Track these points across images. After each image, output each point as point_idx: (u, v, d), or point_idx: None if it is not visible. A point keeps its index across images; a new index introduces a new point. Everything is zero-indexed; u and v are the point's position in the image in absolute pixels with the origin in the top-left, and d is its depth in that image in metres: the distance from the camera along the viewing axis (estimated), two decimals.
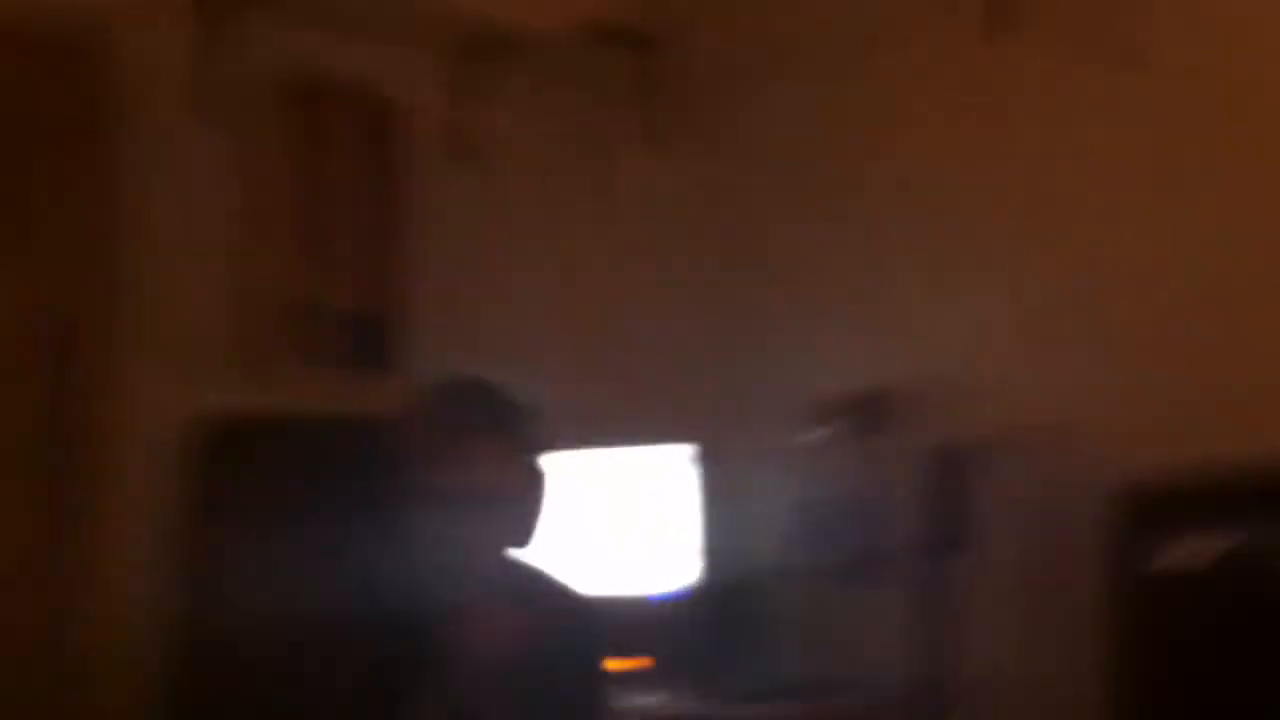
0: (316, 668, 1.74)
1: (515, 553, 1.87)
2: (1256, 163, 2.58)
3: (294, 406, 2.67)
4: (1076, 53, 2.79)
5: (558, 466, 2.82)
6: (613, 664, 2.69)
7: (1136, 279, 2.70)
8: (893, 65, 3.07)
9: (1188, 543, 2.31)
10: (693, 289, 3.37)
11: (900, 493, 2.88)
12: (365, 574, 1.79)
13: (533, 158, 3.33)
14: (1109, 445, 2.64)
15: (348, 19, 2.98)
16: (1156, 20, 2.67)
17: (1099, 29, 2.76)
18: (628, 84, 3.40)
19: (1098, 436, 2.68)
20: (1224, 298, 2.59)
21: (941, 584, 2.79)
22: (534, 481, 1.83)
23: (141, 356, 2.79)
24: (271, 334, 2.98)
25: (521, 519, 1.82)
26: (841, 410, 3.00)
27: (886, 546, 2.91)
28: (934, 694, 2.76)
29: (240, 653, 1.96)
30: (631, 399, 3.16)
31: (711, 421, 3.12)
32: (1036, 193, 2.87)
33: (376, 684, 1.73)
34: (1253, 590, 2.23)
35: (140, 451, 2.67)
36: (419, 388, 1.86)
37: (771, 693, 2.80)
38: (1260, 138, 2.58)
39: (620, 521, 2.96)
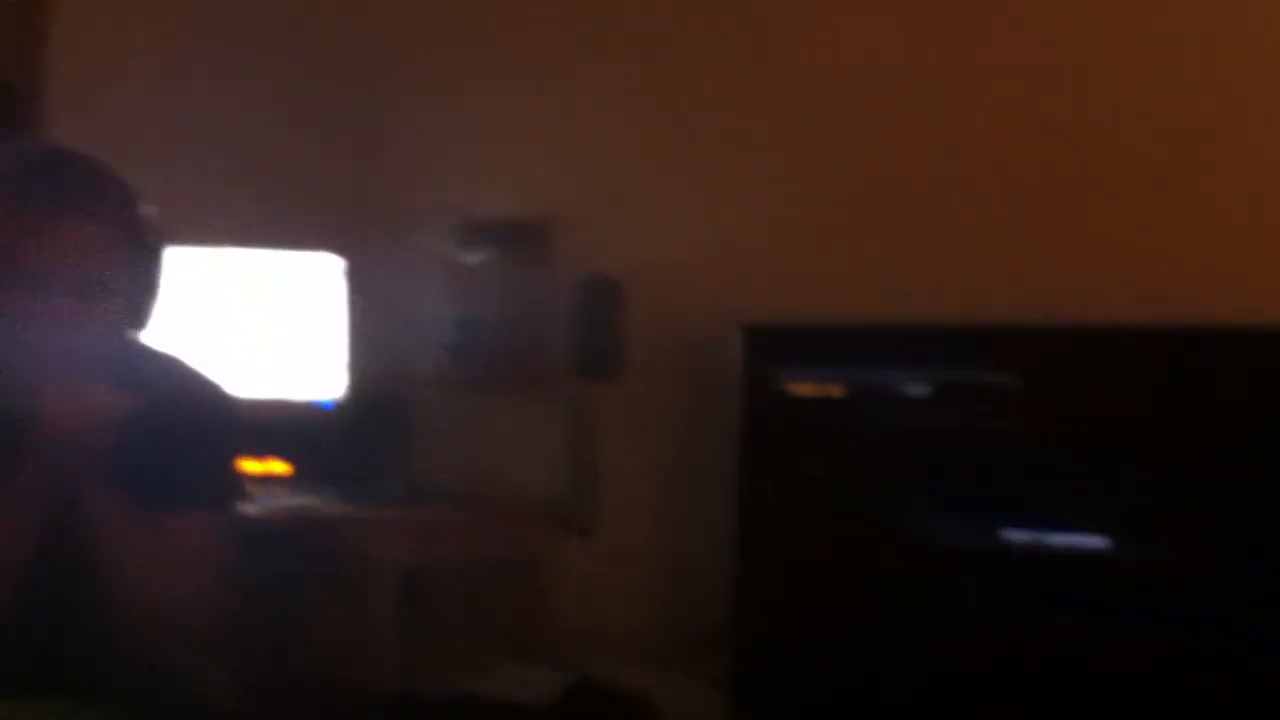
0: None
1: (143, 340, 1.83)
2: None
3: None
4: None
5: (204, 262, 2.82)
6: (252, 465, 2.71)
7: (777, 128, 2.81)
8: None
9: (802, 374, 2.51)
10: (355, 101, 3.30)
11: (551, 317, 2.96)
12: None
13: None
14: (741, 284, 2.77)
15: None
16: None
17: None
18: None
19: (731, 275, 2.80)
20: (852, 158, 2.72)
21: (587, 404, 2.91)
22: (137, 265, 1.75)
23: None
24: None
25: (125, 303, 1.75)
26: (497, 234, 3.05)
27: (533, 364, 3.00)
28: (575, 507, 2.90)
29: None
30: (280, 203, 3.10)
31: (364, 233, 3.11)
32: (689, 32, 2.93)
33: None
34: (863, 416, 2.45)
35: None
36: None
37: (415, 497, 2.87)
38: None
39: (268, 326, 2.94)
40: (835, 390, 2.49)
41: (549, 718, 2.32)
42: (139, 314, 1.79)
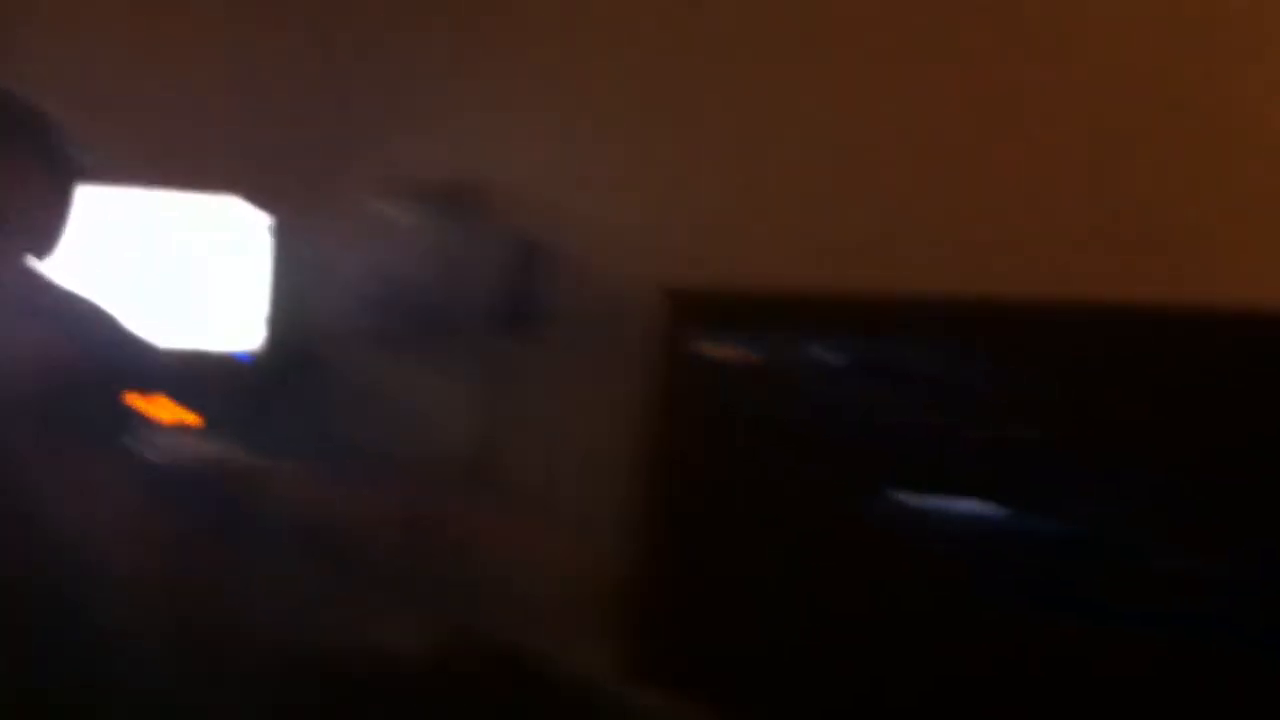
0: None
1: (52, 275, 1.80)
2: None
3: None
4: None
5: (122, 203, 2.78)
6: (161, 412, 2.67)
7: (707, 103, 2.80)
8: None
9: (720, 341, 2.51)
10: (295, 55, 3.26)
11: (474, 275, 2.94)
12: None
13: None
14: (662, 248, 2.77)
15: None
16: None
17: None
18: None
19: (660, 241, 2.79)
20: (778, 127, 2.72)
21: (505, 363, 2.90)
22: (56, 199, 1.75)
23: None
24: None
25: (41, 236, 1.74)
26: (426, 195, 3.03)
27: (456, 324, 2.98)
28: (488, 463, 2.89)
29: None
30: (206, 149, 3.06)
31: (293, 188, 3.08)
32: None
33: None
34: (775, 386, 2.45)
35: None
36: None
37: (328, 451, 2.84)
38: None
39: (190, 276, 2.90)
40: (756, 357, 2.49)
41: (440, 669, 2.31)
42: (48, 245, 1.77)
